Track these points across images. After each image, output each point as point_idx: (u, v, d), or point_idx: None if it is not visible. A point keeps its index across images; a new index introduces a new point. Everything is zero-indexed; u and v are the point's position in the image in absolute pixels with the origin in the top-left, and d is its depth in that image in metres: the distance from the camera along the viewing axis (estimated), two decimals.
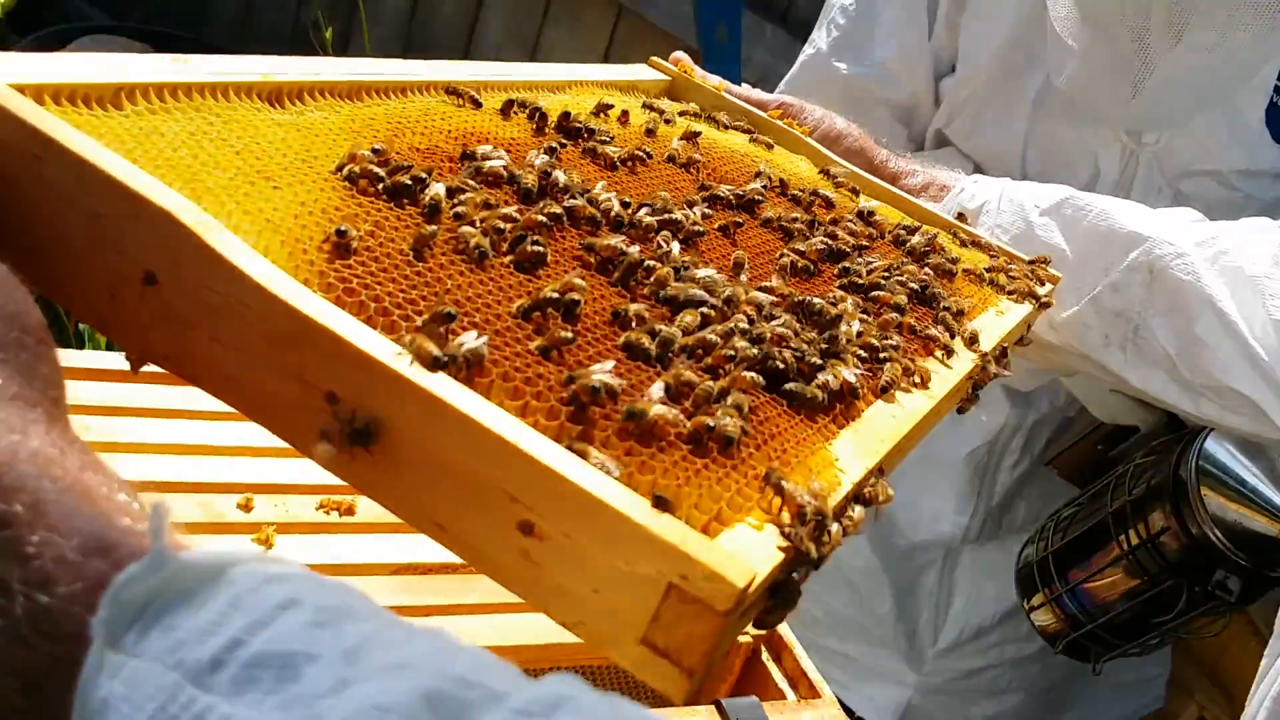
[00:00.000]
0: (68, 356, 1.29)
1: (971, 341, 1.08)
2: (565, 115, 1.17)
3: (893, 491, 0.82)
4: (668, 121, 1.37)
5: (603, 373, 0.70)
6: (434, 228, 0.80)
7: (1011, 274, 1.33)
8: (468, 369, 0.65)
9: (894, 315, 1.03)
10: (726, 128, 1.48)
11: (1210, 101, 1.62)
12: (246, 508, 1.26)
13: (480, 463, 0.62)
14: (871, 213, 1.32)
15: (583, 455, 0.64)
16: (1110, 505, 1.60)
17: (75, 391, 1.27)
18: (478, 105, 1.12)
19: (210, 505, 1.25)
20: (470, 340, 0.68)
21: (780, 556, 0.65)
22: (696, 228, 1.02)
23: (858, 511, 0.73)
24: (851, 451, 0.81)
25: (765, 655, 1.25)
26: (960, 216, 1.46)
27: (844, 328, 0.90)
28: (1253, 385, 1.30)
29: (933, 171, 1.56)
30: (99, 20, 4.43)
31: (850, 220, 1.25)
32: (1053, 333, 1.40)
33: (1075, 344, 1.41)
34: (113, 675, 0.47)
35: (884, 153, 1.58)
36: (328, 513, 1.27)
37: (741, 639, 1.30)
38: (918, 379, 0.97)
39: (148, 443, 1.28)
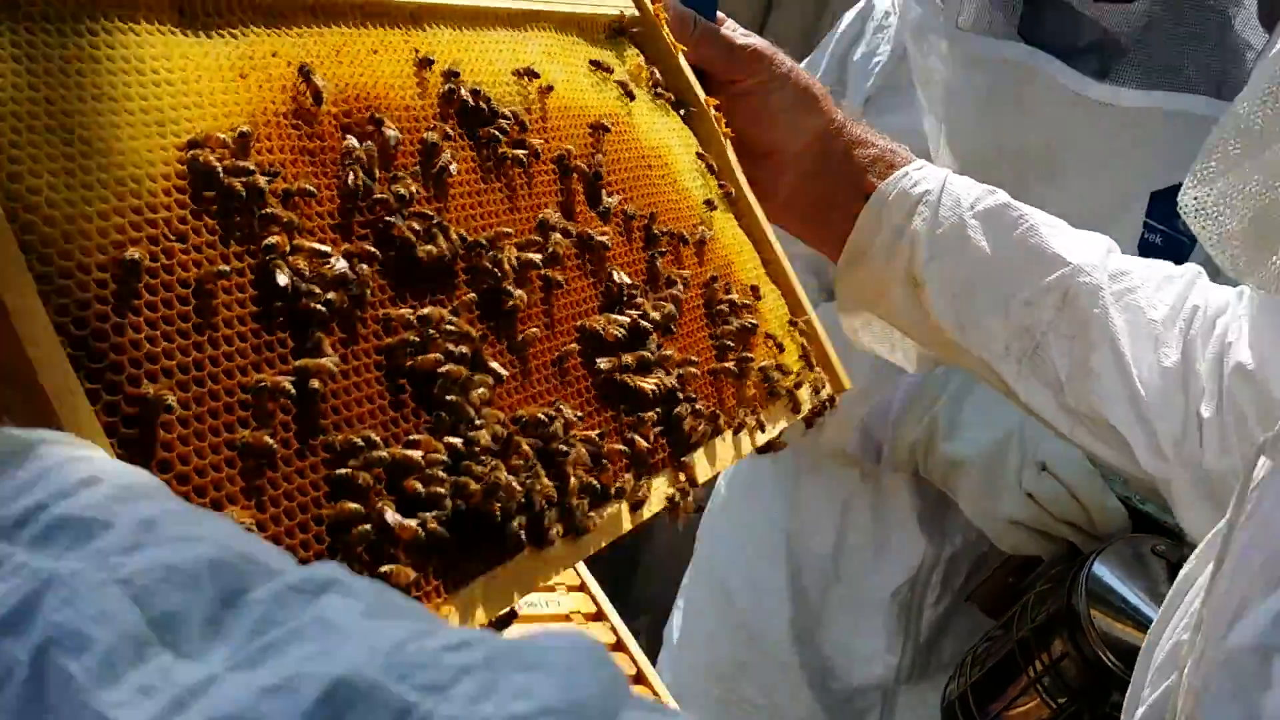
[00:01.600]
0: None
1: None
2: (475, 93, 1.16)
3: None
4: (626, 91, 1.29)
5: None
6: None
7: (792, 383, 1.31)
8: None
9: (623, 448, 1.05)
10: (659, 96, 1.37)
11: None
12: None
13: None
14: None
15: None
16: (1016, 635, 1.63)
17: None
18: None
19: None
20: None
21: None
22: (509, 288, 1.02)
23: None
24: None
25: None
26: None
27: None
28: (1127, 423, 1.34)
29: (887, 146, 1.48)
30: None
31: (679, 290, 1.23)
32: (960, 332, 1.42)
33: (976, 348, 1.42)
34: None
35: (841, 116, 1.49)
36: None
37: None
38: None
39: None
